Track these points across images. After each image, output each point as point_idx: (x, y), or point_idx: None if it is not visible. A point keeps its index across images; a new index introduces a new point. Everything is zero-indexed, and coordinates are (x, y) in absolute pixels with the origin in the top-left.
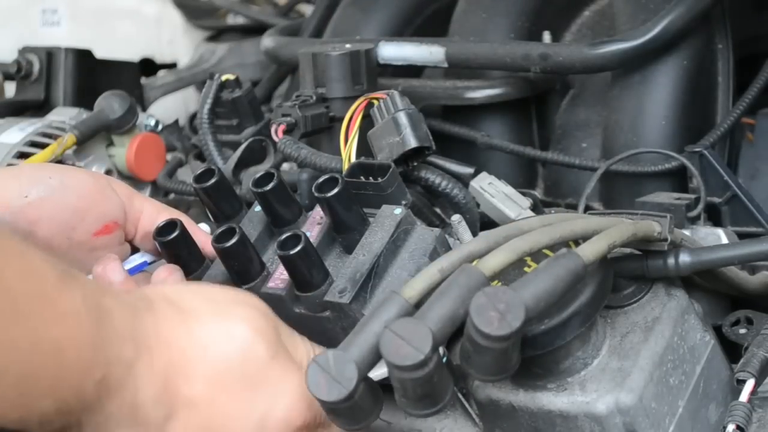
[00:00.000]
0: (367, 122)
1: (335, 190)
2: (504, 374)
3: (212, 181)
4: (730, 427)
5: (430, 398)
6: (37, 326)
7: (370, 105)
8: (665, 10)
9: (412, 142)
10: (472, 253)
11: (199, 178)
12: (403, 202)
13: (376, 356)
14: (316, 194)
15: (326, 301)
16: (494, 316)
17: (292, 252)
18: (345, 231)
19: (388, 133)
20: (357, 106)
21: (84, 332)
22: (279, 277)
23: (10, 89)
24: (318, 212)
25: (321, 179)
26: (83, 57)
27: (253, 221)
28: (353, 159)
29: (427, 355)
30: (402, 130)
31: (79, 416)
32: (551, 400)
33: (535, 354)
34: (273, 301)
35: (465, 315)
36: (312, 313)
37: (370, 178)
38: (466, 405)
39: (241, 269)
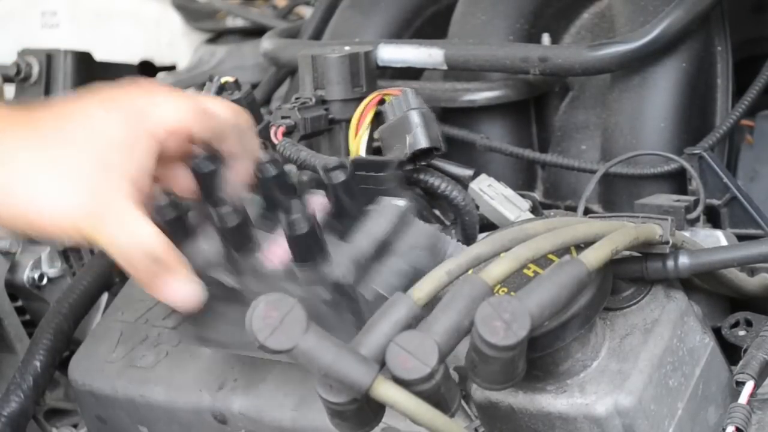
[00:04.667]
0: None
1: (343, 177)
2: (511, 383)
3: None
4: (730, 429)
5: (438, 408)
6: None
7: (380, 101)
8: (664, 12)
9: (423, 142)
10: (479, 256)
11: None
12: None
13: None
14: (324, 178)
15: (328, 280)
16: (500, 326)
17: (299, 227)
18: (346, 219)
19: (399, 130)
20: (369, 101)
21: None
22: (275, 255)
23: (10, 92)
24: (316, 200)
25: (330, 164)
26: (83, 59)
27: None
28: (361, 154)
29: (434, 368)
30: (413, 129)
31: None
32: (550, 402)
33: (535, 356)
34: (270, 279)
35: (470, 326)
36: (310, 295)
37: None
38: (465, 407)
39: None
